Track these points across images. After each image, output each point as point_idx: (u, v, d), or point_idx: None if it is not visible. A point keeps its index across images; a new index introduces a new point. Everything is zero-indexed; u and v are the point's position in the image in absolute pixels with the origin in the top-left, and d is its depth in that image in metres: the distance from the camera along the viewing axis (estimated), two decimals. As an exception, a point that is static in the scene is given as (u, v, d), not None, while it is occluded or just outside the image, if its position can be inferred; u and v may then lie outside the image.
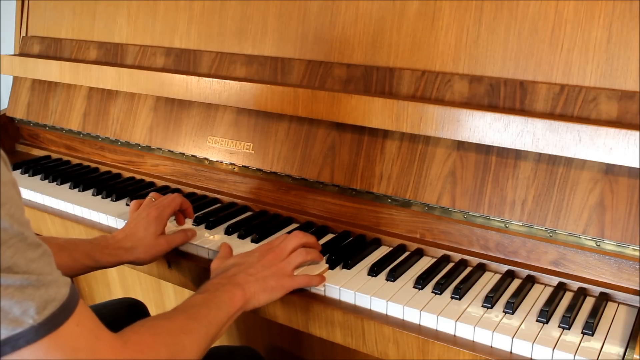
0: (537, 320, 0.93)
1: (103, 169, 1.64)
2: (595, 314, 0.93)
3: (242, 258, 1.02)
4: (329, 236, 1.23)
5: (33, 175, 1.61)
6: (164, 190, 1.46)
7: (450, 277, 1.04)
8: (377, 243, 1.19)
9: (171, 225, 1.25)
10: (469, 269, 1.09)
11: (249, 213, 1.35)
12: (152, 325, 0.80)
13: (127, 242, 1.11)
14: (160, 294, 1.81)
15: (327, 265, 1.09)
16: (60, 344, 0.65)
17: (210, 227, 1.25)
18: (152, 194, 1.21)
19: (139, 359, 0.73)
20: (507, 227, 1.08)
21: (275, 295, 0.99)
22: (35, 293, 0.63)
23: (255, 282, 0.96)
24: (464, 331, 0.92)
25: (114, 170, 1.62)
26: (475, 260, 1.10)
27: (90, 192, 1.47)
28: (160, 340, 0.78)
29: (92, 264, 1.09)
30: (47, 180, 1.57)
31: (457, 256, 1.12)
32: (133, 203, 1.21)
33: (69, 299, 0.66)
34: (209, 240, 1.21)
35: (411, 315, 0.96)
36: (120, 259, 1.10)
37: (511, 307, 0.95)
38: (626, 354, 0.85)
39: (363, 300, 1.00)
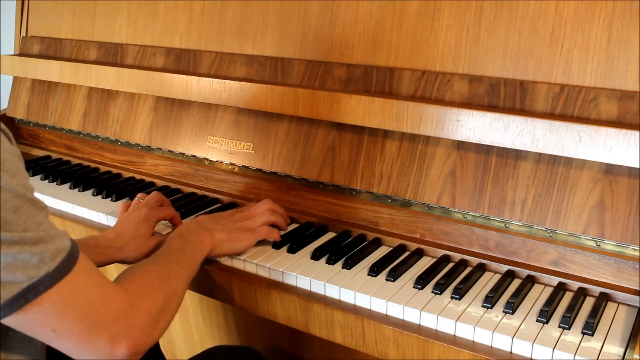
0: (537, 320, 0.93)
1: (103, 169, 1.64)
2: (595, 314, 0.93)
3: (214, 213, 1.17)
4: (329, 236, 1.23)
5: (33, 175, 1.61)
6: (164, 191, 1.46)
7: (450, 277, 1.04)
8: (377, 243, 1.19)
9: (161, 224, 1.26)
10: (469, 269, 1.09)
11: (249, 213, 1.35)
12: (145, 272, 0.89)
13: (117, 242, 1.12)
14: (160, 294, 1.80)
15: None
16: (76, 296, 0.74)
17: (210, 227, 1.25)
18: (139, 195, 1.22)
19: (140, 305, 0.81)
20: (507, 227, 1.08)
21: (238, 246, 1.10)
22: (47, 245, 0.71)
23: (222, 231, 1.08)
24: (464, 331, 0.92)
25: (114, 170, 1.62)
26: (475, 260, 1.10)
27: (90, 192, 1.47)
28: (155, 286, 0.87)
29: None
30: (47, 180, 1.57)
31: (457, 256, 1.12)
32: (121, 204, 1.21)
33: (72, 247, 0.75)
34: (209, 240, 1.21)
35: (411, 315, 0.96)
36: (110, 258, 1.11)
37: (511, 307, 0.95)
38: (626, 354, 0.85)
39: (363, 300, 1.00)
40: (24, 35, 1.86)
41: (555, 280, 1.04)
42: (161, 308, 0.85)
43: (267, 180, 1.36)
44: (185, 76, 1.41)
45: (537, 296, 1.01)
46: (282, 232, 1.22)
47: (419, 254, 1.14)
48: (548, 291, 1.02)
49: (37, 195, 1.57)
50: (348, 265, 1.09)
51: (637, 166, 0.93)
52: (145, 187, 1.51)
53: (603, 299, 0.98)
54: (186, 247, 1.01)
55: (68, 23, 1.75)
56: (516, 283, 1.04)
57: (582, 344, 0.87)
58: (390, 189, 1.18)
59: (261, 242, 1.16)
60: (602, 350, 0.86)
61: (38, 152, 1.82)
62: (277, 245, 1.15)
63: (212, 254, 1.07)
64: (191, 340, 1.80)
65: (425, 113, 1.09)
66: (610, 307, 0.97)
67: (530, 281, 1.04)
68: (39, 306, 0.71)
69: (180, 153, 1.49)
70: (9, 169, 0.69)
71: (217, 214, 1.15)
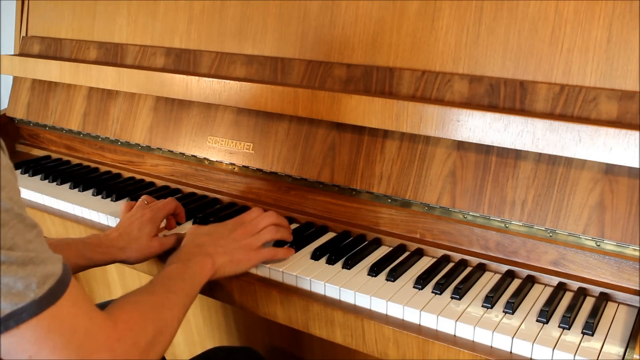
0: (537, 320, 0.93)
1: (103, 169, 1.64)
2: (595, 314, 0.93)
3: (213, 228, 1.08)
4: (329, 236, 1.23)
5: (33, 175, 1.61)
6: (164, 191, 1.46)
7: (450, 277, 1.04)
8: (377, 243, 1.19)
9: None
10: (469, 269, 1.09)
11: (249, 213, 1.35)
12: (137, 301, 0.84)
13: (120, 242, 1.11)
14: (160, 294, 1.80)
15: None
16: (59, 324, 0.68)
17: (210, 227, 1.25)
18: (144, 197, 1.22)
19: (128, 337, 0.76)
20: (507, 227, 1.08)
21: (241, 268, 1.05)
22: (36, 269, 0.66)
23: (224, 254, 1.02)
24: (464, 331, 0.92)
25: (114, 170, 1.62)
26: (475, 260, 1.10)
27: (90, 192, 1.47)
28: (146, 317, 0.81)
29: (85, 263, 1.09)
30: (47, 180, 1.57)
31: (457, 256, 1.12)
32: (125, 204, 1.21)
33: (63, 274, 0.70)
34: (209, 240, 1.20)
35: (411, 315, 0.96)
36: (112, 257, 1.11)
37: (511, 307, 0.95)
38: (626, 354, 0.85)
39: (363, 300, 1.00)
40: (24, 35, 1.86)
41: (555, 280, 1.04)
42: (151, 341, 0.79)
43: (267, 180, 1.36)
44: (185, 76, 1.41)
45: (537, 296, 1.01)
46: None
47: (419, 254, 1.14)
48: (548, 291, 1.02)
49: (37, 195, 1.58)
50: (348, 265, 1.09)
51: (637, 166, 0.93)
52: (145, 187, 1.51)
53: (603, 299, 0.98)
54: (185, 274, 0.95)
55: (68, 23, 1.75)
56: (516, 283, 1.04)
57: (582, 344, 0.87)
58: (390, 189, 1.18)
59: (261, 242, 1.16)
60: (602, 350, 0.86)
61: (38, 152, 1.82)
62: (277, 246, 1.15)
63: (216, 277, 1.01)
64: (191, 340, 1.80)
65: (425, 113, 1.09)
66: (610, 307, 0.97)
67: (530, 281, 1.04)
68: (17, 330, 0.65)
69: (180, 153, 1.49)
70: None
71: (217, 230, 1.07)
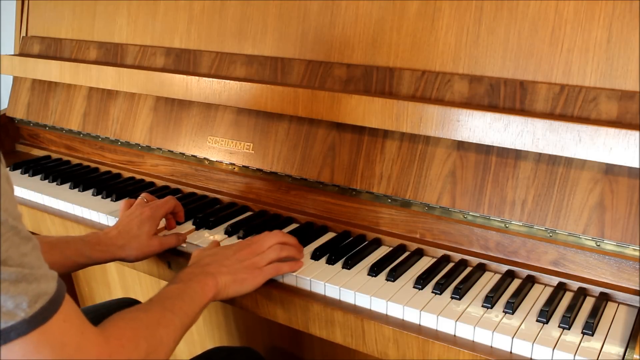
0: (537, 320, 0.93)
1: (103, 169, 1.64)
2: (595, 314, 0.93)
3: (218, 249, 1.05)
4: (329, 236, 1.23)
5: (33, 175, 1.61)
6: (164, 191, 1.46)
7: (450, 277, 1.04)
8: (377, 243, 1.19)
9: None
10: (469, 269, 1.09)
11: (249, 213, 1.35)
12: (132, 318, 0.82)
13: (119, 240, 1.11)
14: (160, 294, 1.80)
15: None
16: (49, 338, 0.66)
17: (210, 227, 1.26)
18: (144, 195, 1.21)
19: (120, 354, 0.75)
20: (507, 227, 1.08)
21: (245, 288, 1.01)
22: (28, 287, 0.64)
23: (227, 274, 0.99)
24: (464, 331, 0.92)
25: (114, 170, 1.62)
26: (475, 260, 1.10)
27: (90, 192, 1.47)
28: (139, 334, 0.80)
29: (84, 261, 1.09)
30: (47, 180, 1.57)
31: (457, 256, 1.12)
32: (124, 202, 1.21)
33: (57, 292, 0.68)
34: (209, 240, 1.21)
35: (411, 315, 0.96)
36: (112, 255, 1.11)
37: (511, 307, 0.95)
38: (626, 354, 0.85)
39: (363, 300, 1.00)
40: (24, 35, 1.86)
41: (555, 280, 1.04)
42: (144, 358, 0.78)
43: (267, 180, 1.36)
44: (185, 76, 1.41)
45: (537, 296, 1.01)
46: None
47: (419, 254, 1.14)
48: (548, 291, 1.02)
49: (37, 195, 1.58)
50: (348, 265, 1.09)
51: (637, 166, 0.93)
52: (145, 187, 1.51)
53: (603, 299, 0.98)
54: (184, 294, 0.92)
55: (68, 23, 1.75)
56: (516, 283, 1.04)
57: (582, 344, 0.87)
58: (390, 189, 1.18)
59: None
60: (602, 350, 0.86)
61: (38, 152, 1.82)
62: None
63: (219, 297, 0.98)
64: (191, 340, 1.80)
65: (425, 113, 1.09)
66: (610, 307, 0.97)
67: (530, 281, 1.04)
68: (4, 346, 0.64)
69: (180, 153, 1.49)
70: None
71: (222, 251, 1.05)
